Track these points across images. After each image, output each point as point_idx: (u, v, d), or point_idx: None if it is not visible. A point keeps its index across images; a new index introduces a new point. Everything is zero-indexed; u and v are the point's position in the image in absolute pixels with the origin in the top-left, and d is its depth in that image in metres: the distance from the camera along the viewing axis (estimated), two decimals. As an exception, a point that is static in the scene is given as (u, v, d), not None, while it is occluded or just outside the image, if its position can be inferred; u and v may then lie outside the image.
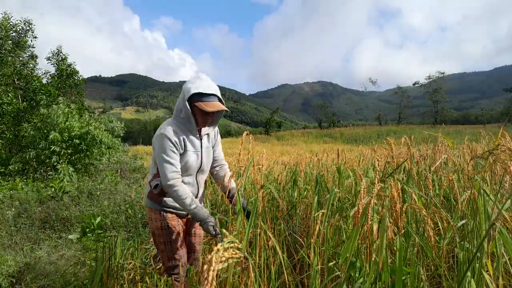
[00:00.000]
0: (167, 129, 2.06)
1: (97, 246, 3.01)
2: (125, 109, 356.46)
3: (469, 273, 1.29)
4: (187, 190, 2.06)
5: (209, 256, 0.67)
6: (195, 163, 2.17)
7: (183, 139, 2.11)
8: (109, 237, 3.29)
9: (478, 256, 1.33)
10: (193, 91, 2.01)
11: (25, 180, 8.31)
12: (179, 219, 2.25)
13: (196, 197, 2.28)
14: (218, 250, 0.69)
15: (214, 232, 1.96)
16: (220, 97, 2.12)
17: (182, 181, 2.14)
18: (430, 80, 65.65)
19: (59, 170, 8.36)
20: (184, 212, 2.24)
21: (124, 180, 9.15)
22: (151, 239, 2.43)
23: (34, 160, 10.03)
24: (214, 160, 2.45)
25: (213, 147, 2.40)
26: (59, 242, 3.86)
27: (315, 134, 55.50)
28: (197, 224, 2.39)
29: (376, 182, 1.24)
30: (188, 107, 2.05)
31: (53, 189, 5.94)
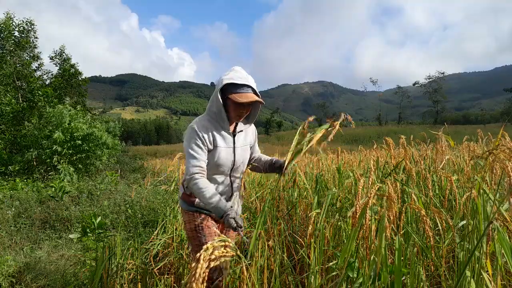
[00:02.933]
0: (197, 123, 1.97)
1: (97, 246, 3.01)
2: (125, 109, 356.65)
3: (469, 273, 1.29)
4: (209, 184, 1.92)
5: (198, 254, 0.67)
6: (227, 160, 2.03)
7: (213, 134, 1.99)
8: (109, 237, 3.29)
9: (478, 256, 1.33)
10: (226, 81, 1.90)
11: (25, 180, 8.31)
12: (213, 221, 2.12)
13: (229, 199, 2.15)
14: (207, 248, 0.69)
15: (235, 225, 1.81)
16: (256, 89, 1.98)
17: (215, 181, 2.05)
18: (430, 80, 65.68)
19: (60, 170, 8.37)
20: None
21: (124, 180, 9.16)
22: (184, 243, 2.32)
23: (35, 160, 10.04)
24: (253, 157, 2.35)
25: (251, 146, 2.27)
26: (59, 242, 3.87)
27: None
28: (233, 235, 2.27)
29: (372, 182, 1.24)
30: (220, 100, 1.94)
31: (53, 189, 5.94)
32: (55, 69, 15.51)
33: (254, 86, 1.95)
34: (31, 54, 14.46)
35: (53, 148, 9.38)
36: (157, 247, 3.14)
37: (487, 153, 1.14)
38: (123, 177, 10.11)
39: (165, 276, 2.98)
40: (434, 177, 2.64)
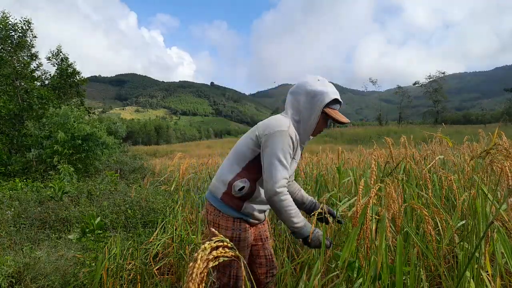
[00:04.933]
0: (291, 128, 1.78)
1: (97, 246, 3.01)
2: (125, 109, 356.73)
3: (468, 273, 1.29)
4: (293, 203, 1.73)
5: (196, 254, 0.67)
6: (291, 172, 1.86)
7: (297, 144, 1.83)
8: (108, 237, 3.29)
9: (477, 257, 1.33)
10: (332, 96, 1.76)
11: (25, 180, 8.31)
12: (251, 230, 1.96)
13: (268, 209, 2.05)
14: (205, 248, 0.69)
15: (328, 243, 1.65)
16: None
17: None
18: (431, 80, 65.70)
19: (60, 170, 8.37)
20: (256, 221, 1.96)
21: (123, 180, 9.15)
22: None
23: (35, 160, 10.06)
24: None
25: None
26: (58, 242, 3.86)
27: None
28: (266, 227, 2.16)
29: (373, 182, 1.23)
30: (319, 115, 1.79)
31: (52, 189, 5.94)
32: (52, 69, 15.52)
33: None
34: (29, 54, 14.42)
35: (54, 148, 9.40)
36: (156, 247, 3.14)
37: (484, 153, 1.14)
38: (123, 177, 10.11)
39: (165, 276, 2.98)
40: (434, 177, 2.63)
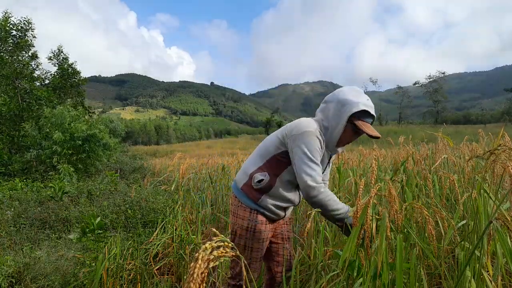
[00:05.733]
0: (316, 130, 1.78)
1: (97, 246, 3.01)
2: (125, 109, 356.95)
3: (469, 273, 1.29)
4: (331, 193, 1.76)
5: (197, 254, 0.67)
6: None
7: (323, 150, 1.83)
8: (108, 237, 3.29)
9: (478, 256, 1.33)
10: (362, 107, 1.70)
11: (24, 180, 8.31)
12: (269, 225, 1.97)
13: (290, 209, 2.06)
14: (206, 248, 0.69)
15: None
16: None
17: (290, 189, 1.91)
18: (431, 80, 65.70)
19: (60, 170, 8.37)
20: (273, 216, 1.96)
21: (123, 180, 9.15)
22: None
23: (34, 160, 10.06)
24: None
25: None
26: (58, 242, 3.86)
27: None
28: (289, 228, 2.16)
29: (373, 182, 1.23)
30: (344, 127, 1.76)
31: (52, 189, 5.94)
32: (53, 69, 15.52)
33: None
34: (29, 54, 14.40)
35: (53, 149, 9.40)
36: (156, 247, 3.14)
37: (488, 153, 1.14)
38: (123, 177, 10.11)
39: (165, 276, 2.98)
40: (434, 177, 2.63)
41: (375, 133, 1.71)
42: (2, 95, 12.31)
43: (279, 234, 2.10)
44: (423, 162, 2.97)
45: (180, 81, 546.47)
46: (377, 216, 1.15)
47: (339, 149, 1.94)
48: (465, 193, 1.91)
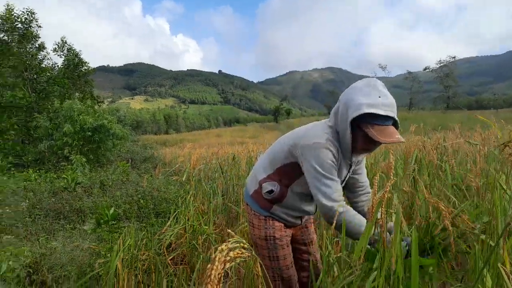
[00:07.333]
0: (329, 140, 1.57)
1: (112, 237, 3.06)
2: (134, 98, 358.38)
3: (484, 270, 1.28)
4: (355, 212, 1.56)
5: (213, 255, 0.68)
6: None
7: (339, 158, 1.62)
8: (122, 228, 3.34)
9: (495, 251, 1.32)
10: (366, 110, 1.42)
11: (38, 171, 8.44)
12: (287, 229, 1.87)
13: (306, 217, 1.95)
14: (222, 250, 0.69)
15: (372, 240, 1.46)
16: (397, 119, 1.49)
17: (304, 198, 1.79)
18: (441, 64, 64.64)
19: (73, 161, 8.49)
20: (291, 224, 1.87)
21: (135, 170, 9.24)
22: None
23: (46, 151, 10.21)
24: (357, 187, 1.90)
25: (354, 171, 1.86)
26: (73, 232, 3.94)
27: (325, 121, 55.07)
28: (312, 230, 2.04)
29: (390, 177, 1.22)
30: (350, 134, 1.52)
31: (65, 180, 6.03)
32: (59, 60, 15.59)
33: (396, 116, 1.47)
34: (36, 45, 14.44)
35: (64, 140, 9.52)
36: (169, 237, 3.18)
37: (502, 146, 1.12)
38: (134, 167, 10.20)
39: (179, 266, 3.02)
40: (446, 166, 2.60)
41: (391, 138, 1.40)
42: (22, 88, 12.43)
43: (301, 239, 2.00)
44: (434, 151, 2.94)
45: (188, 69, 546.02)
46: (391, 211, 1.15)
47: (360, 157, 1.74)
48: (481, 182, 1.88)
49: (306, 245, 2.00)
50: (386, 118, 1.44)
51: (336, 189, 1.54)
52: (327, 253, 1.77)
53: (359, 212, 1.83)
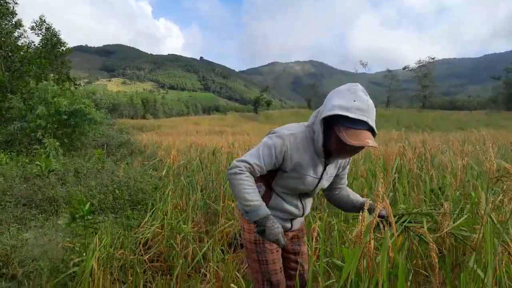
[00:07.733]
0: (294, 136, 1.64)
1: (87, 232, 2.98)
2: (112, 80, 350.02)
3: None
4: (254, 183, 1.63)
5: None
6: (305, 187, 1.75)
7: (302, 160, 1.65)
8: (98, 223, 3.25)
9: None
10: (338, 111, 1.43)
11: (9, 154, 8.14)
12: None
13: (292, 219, 1.91)
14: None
15: (283, 240, 1.56)
16: (374, 125, 1.47)
17: (285, 199, 1.80)
18: (420, 65, 66.03)
19: (46, 144, 8.24)
20: (283, 223, 1.86)
21: (110, 157, 9.04)
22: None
23: (18, 132, 9.87)
24: (335, 187, 1.97)
25: (337, 174, 1.90)
26: (46, 223, 3.82)
27: (305, 114, 55.50)
28: (303, 241, 2.03)
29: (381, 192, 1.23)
30: (321, 130, 1.56)
31: (38, 167, 5.82)
32: (36, 39, 15.02)
33: (372, 123, 1.46)
34: (12, 22, 13.84)
35: (37, 122, 9.22)
36: (146, 235, 3.13)
37: (495, 179, 1.14)
38: (109, 153, 9.99)
39: (155, 263, 2.98)
40: (426, 178, 2.65)
41: (359, 141, 1.40)
42: None
43: (291, 248, 2.00)
44: (414, 160, 2.99)
45: (168, 54, 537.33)
46: (379, 235, 1.15)
47: (341, 160, 1.80)
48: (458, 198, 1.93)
49: (295, 254, 2.01)
50: (359, 122, 1.43)
51: (255, 163, 1.61)
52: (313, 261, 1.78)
53: (334, 195, 1.98)
